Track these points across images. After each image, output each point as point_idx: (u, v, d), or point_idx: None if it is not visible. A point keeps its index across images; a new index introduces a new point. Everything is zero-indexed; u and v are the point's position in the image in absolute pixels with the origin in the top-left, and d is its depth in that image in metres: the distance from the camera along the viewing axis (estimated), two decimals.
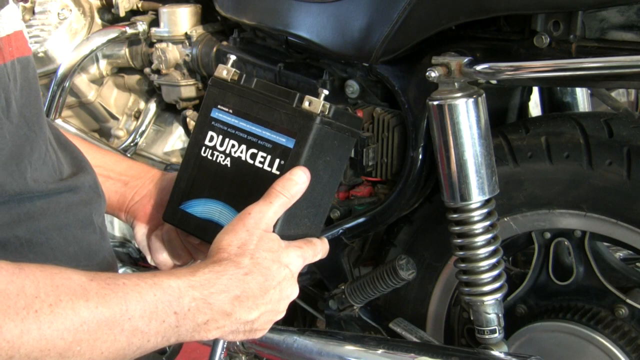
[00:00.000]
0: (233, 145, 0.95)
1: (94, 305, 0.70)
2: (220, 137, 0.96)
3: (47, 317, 0.67)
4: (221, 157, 0.96)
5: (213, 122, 0.97)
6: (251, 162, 0.94)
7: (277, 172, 0.92)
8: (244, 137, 0.95)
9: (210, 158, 0.97)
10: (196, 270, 0.80)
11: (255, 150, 0.94)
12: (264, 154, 0.93)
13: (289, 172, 0.91)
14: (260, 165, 0.93)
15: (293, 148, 0.91)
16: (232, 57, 0.99)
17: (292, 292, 0.89)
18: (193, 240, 1.04)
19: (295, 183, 0.90)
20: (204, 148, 0.97)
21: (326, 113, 0.92)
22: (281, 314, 0.88)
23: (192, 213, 0.98)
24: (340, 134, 0.95)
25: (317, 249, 0.95)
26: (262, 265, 0.84)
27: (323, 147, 0.93)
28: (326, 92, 0.92)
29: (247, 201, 0.92)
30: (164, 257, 1.05)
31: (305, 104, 0.92)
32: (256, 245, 0.85)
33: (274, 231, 0.89)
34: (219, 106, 0.97)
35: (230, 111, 0.96)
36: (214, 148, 0.97)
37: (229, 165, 0.95)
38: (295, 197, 0.90)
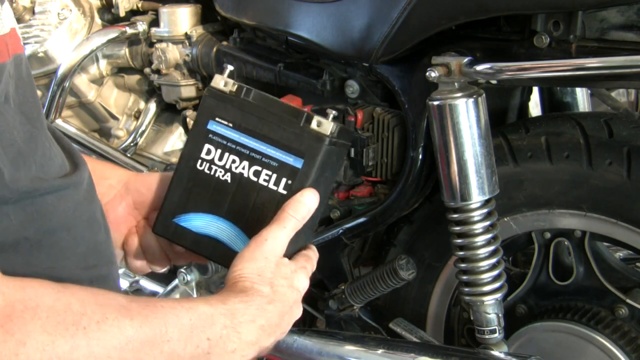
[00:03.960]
0: (234, 161, 0.93)
1: (137, 324, 0.70)
2: (219, 151, 0.94)
3: (96, 334, 0.67)
4: (220, 171, 0.94)
5: (210, 135, 0.94)
6: (254, 179, 0.92)
7: (284, 192, 0.91)
8: (246, 153, 0.93)
9: (208, 172, 0.94)
10: (226, 299, 0.81)
11: (259, 168, 0.92)
12: (269, 172, 0.92)
13: (299, 194, 0.90)
14: (265, 184, 0.92)
15: (301, 168, 0.90)
16: (229, 68, 0.97)
17: (299, 312, 0.92)
18: (178, 248, 1.02)
19: (305, 205, 0.90)
20: (200, 161, 0.95)
21: (334, 134, 0.92)
22: (287, 332, 0.90)
23: (188, 227, 0.96)
24: (338, 150, 0.95)
25: (314, 262, 0.97)
26: (280, 293, 0.86)
27: (327, 165, 0.93)
28: (335, 113, 0.92)
29: (251, 219, 0.91)
30: (141, 263, 1.04)
31: (314, 125, 0.91)
32: (274, 274, 0.86)
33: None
34: (216, 119, 0.94)
35: (230, 125, 0.94)
36: (211, 162, 0.94)
37: (229, 181, 0.94)
38: (305, 220, 0.91)
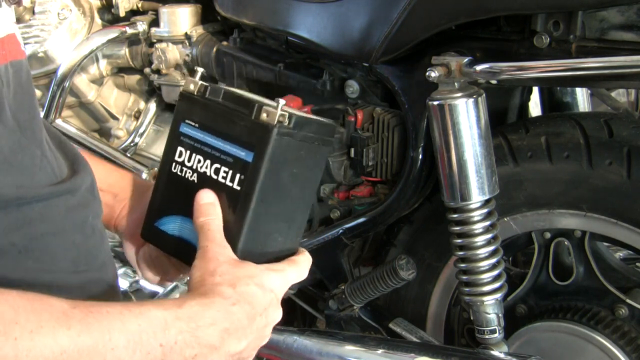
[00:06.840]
0: (199, 161, 0.92)
1: (75, 333, 0.67)
2: (188, 152, 0.94)
3: (27, 343, 0.64)
4: (189, 172, 0.93)
5: (182, 137, 0.94)
6: (215, 177, 0.91)
7: (238, 188, 0.88)
8: (209, 151, 0.92)
9: (180, 174, 0.94)
10: (183, 302, 0.77)
11: (218, 165, 0.91)
12: (227, 169, 0.90)
13: (195, 201, 0.89)
14: (223, 181, 0.90)
15: (252, 162, 0.88)
16: (200, 70, 0.97)
17: (277, 316, 0.87)
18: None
19: (205, 205, 0.88)
20: (173, 164, 0.95)
21: (285, 123, 0.87)
22: (266, 339, 0.86)
23: (165, 231, 0.95)
24: (306, 144, 0.91)
25: (301, 269, 0.92)
26: (247, 293, 0.82)
27: (286, 159, 0.90)
28: (283, 101, 0.88)
29: None
30: (151, 275, 1.03)
31: (263, 115, 0.88)
32: (233, 273, 0.83)
33: (236, 247, 0.87)
34: (186, 121, 0.94)
35: (197, 125, 0.93)
36: (182, 164, 0.94)
37: (195, 181, 0.93)
38: (218, 214, 0.88)
